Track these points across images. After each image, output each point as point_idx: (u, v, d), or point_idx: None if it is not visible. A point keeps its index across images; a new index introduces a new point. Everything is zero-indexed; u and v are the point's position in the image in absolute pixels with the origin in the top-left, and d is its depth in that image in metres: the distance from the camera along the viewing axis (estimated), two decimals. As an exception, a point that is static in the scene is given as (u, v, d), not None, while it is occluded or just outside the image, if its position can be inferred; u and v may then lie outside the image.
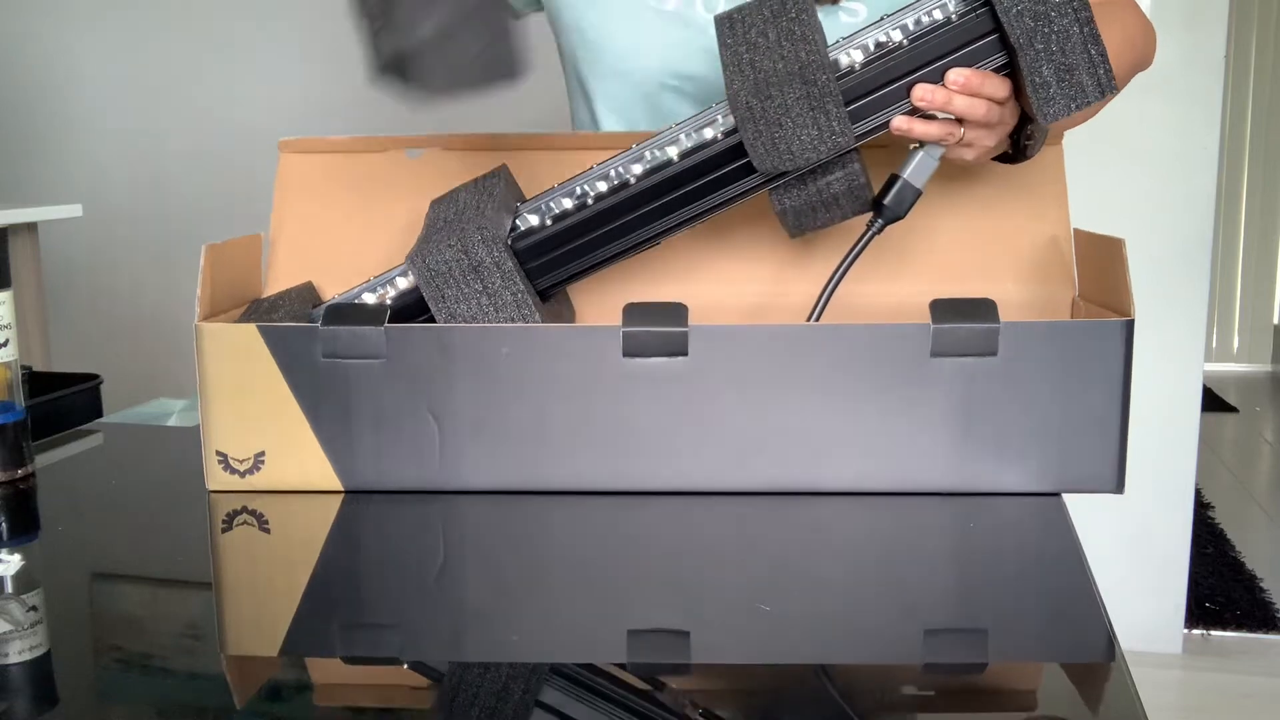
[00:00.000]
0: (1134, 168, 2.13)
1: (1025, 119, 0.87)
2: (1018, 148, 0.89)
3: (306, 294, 0.96)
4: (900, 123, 0.82)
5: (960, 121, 0.83)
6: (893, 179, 0.86)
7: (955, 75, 0.81)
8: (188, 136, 2.83)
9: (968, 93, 0.81)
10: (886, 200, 0.85)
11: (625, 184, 0.86)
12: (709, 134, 0.85)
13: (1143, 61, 1.04)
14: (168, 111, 2.84)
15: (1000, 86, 0.82)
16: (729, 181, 0.85)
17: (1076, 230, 0.94)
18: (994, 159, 0.91)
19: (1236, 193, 4.55)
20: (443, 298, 0.84)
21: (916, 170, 0.85)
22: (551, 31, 1.14)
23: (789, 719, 0.55)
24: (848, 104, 0.82)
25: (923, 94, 0.81)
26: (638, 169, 0.86)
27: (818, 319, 0.87)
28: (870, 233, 0.86)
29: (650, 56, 1.03)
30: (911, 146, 0.86)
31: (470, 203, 0.88)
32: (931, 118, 0.83)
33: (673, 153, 0.85)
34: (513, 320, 0.84)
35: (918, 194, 0.86)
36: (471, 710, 0.54)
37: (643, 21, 1.03)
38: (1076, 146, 2.14)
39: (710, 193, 0.85)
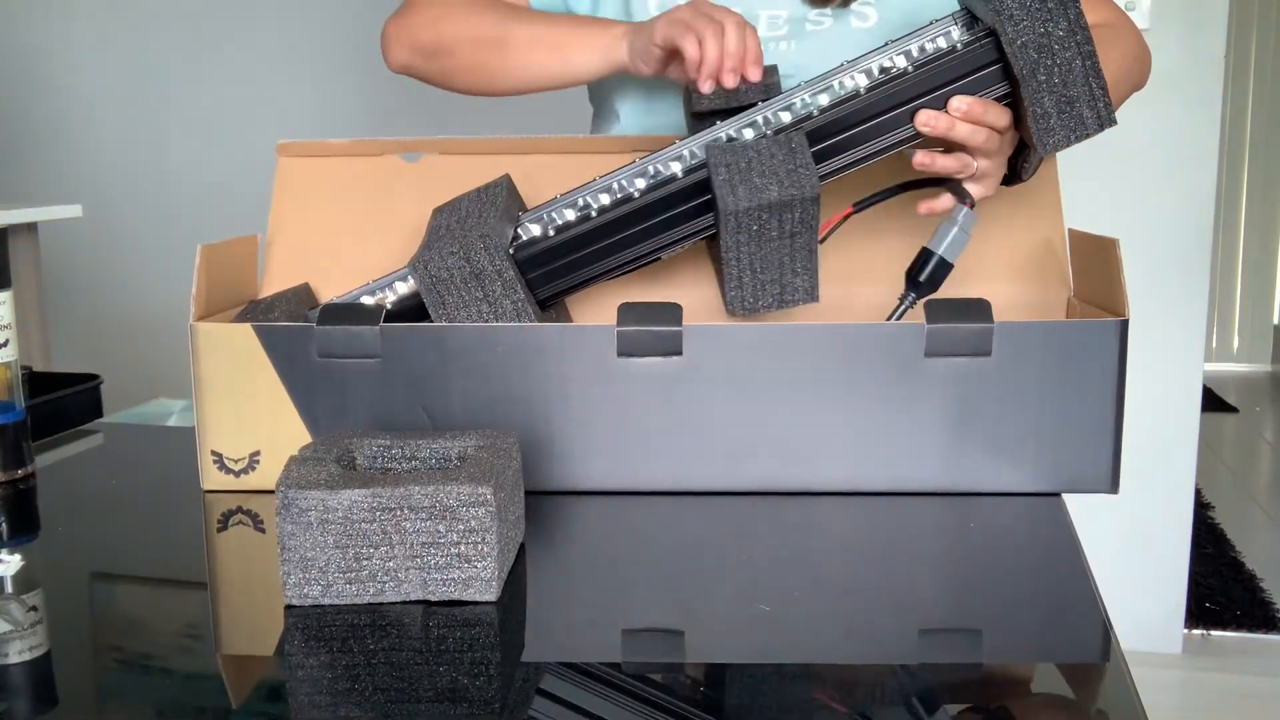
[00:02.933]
0: (1134, 168, 2.13)
1: (1022, 144, 0.87)
2: (1013, 171, 0.90)
3: (303, 295, 0.96)
4: (922, 157, 0.83)
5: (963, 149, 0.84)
6: (926, 254, 0.87)
7: (958, 103, 0.81)
8: (188, 137, 2.83)
9: (970, 120, 0.82)
10: (922, 277, 0.87)
11: (629, 198, 0.86)
12: None
13: (1137, 86, 1.05)
14: (168, 112, 2.84)
15: (1001, 116, 0.82)
16: None
17: (1071, 230, 0.95)
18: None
19: (1236, 193, 4.55)
20: (443, 304, 0.84)
21: (951, 246, 0.86)
22: None
23: (784, 719, 0.55)
24: (853, 127, 0.83)
25: (926, 119, 0.82)
26: (641, 183, 0.86)
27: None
28: (903, 307, 0.87)
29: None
30: (941, 221, 0.87)
31: (473, 210, 0.88)
32: (949, 151, 0.84)
33: (676, 168, 0.85)
34: None
35: (950, 268, 0.87)
36: (475, 708, 0.54)
37: None
38: (1075, 147, 2.13)
39: (711, 210, 0.86)
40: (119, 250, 2.89)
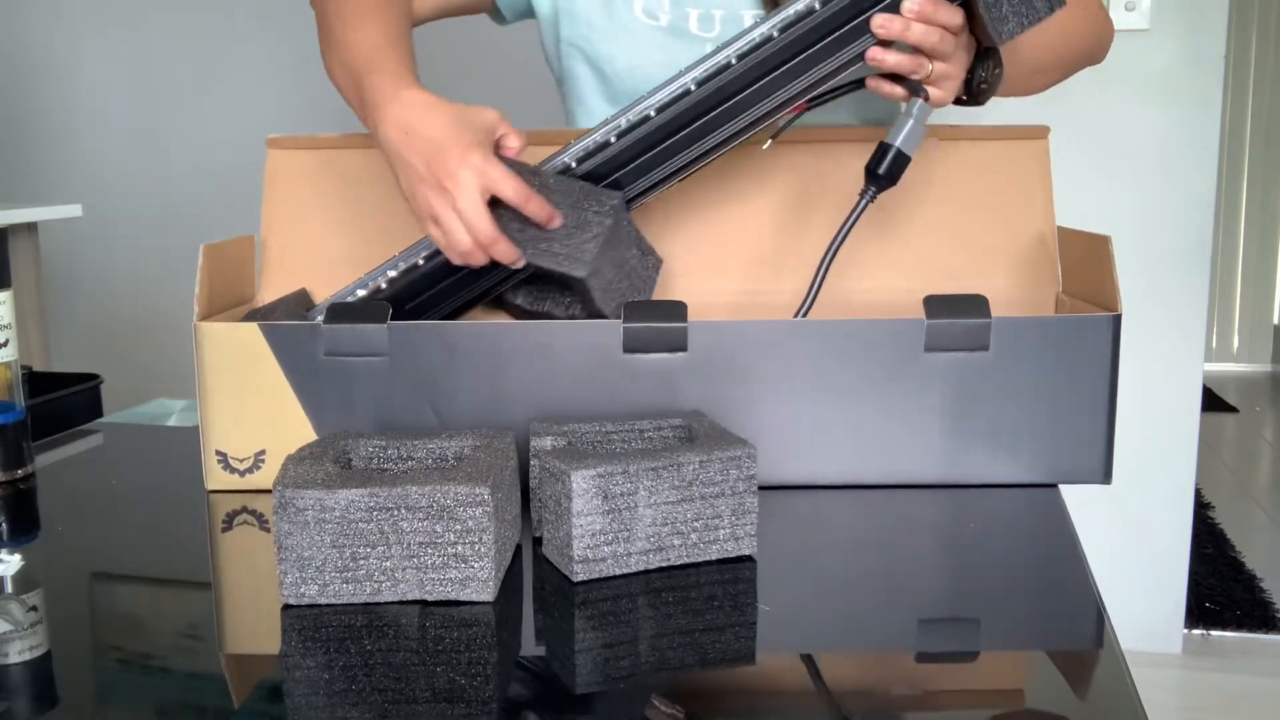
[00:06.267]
0: (1134, 168, 2.13)
1: (979, 60, 0.89)
2: (972, 90, 0.91)
3: (301, 300, 0.97)
4: (875, 52, 0.86)
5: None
6: (884, 148, 0.87)
7: (910, 3, 0.84)
8: (188, 136, 2.84)
9: (922, 20, 0.84)
10: (880, 169, 0.87)
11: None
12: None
13: (1091, 53, 1.06)
14: (168, 111, 2.84)
15: (954, 15, 0.85)
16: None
17: (1061, 228, 0.96)
18: (952, 103, 0.92)
19: (1236, 193, 4.55)
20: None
21: (907, 138, 0.87)
22: (543, 49, 1.14)
23: (785, 709, 0.55)
24: (813, 44, 0.85)
25: (882, 22, 0.85)
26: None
27: (816, 291, 0.88)
28: (864, 201, 0.88)
29: (648, 73, 1.04)
30: (901, 112, 0.88)
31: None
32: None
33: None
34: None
35: (908, 160, 0.87)
36: (473, 708, 0.54)
37: (641, 39, 1.04)
38: (1076, 147, 2.13)
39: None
40: (119, 250, 2.89)
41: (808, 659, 0.61)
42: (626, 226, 0.88)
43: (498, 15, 1.13)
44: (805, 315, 0.88)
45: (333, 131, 1.02)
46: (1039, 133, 0.99)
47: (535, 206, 0.83)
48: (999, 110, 2.33)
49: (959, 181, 0.98)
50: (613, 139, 0.88)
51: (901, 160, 0.87)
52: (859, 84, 0.89)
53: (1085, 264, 0.90)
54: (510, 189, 0.82)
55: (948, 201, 0.98)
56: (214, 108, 2.81)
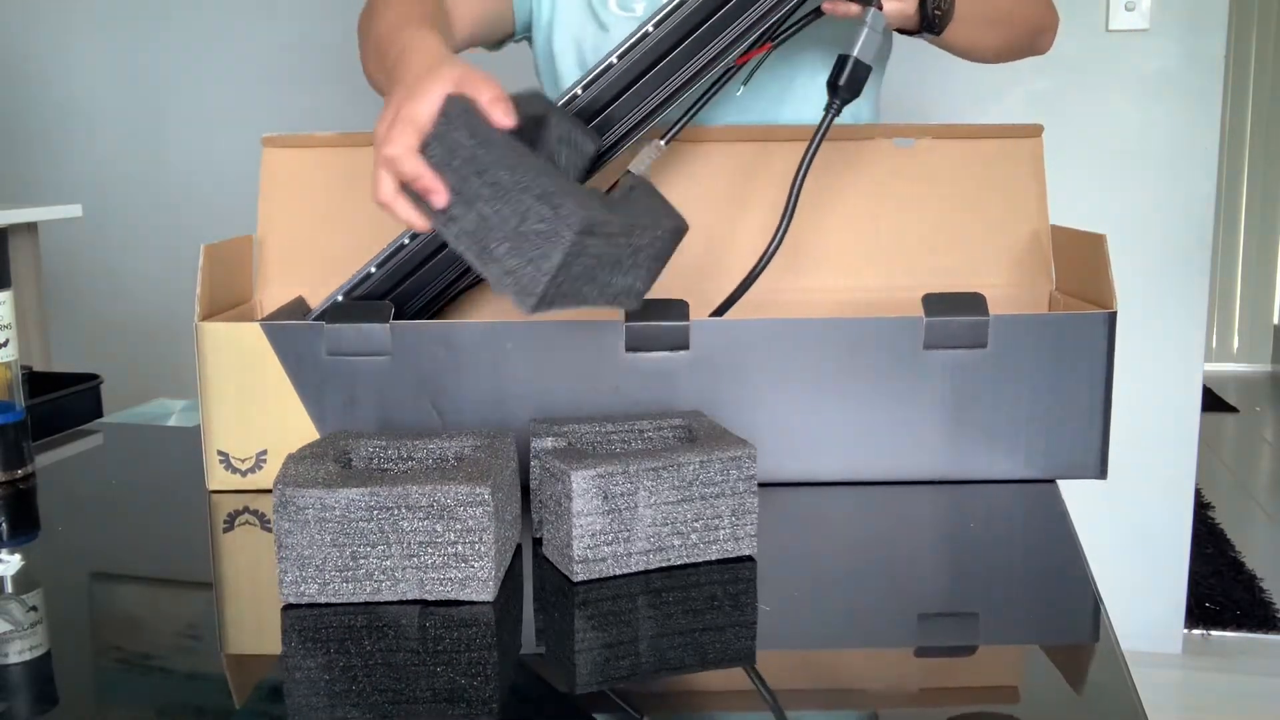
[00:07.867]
0: (1134, 168, 2.13)
1: None
2: (928, 18, 0.91)
3: (298, 308, 0.97)
4: None
5: None
6: (843, 59, 0.88)
7: None
8: (187, 137, 2.83)
9: None
10: (841, 80, 0.87)
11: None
12: None
13: (1041, 26, 1.06)
14: (167, 112, 2.84)
15: None
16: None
17: (1055, 226, 0.96)
18: (908, 33, 0.93)
19: (1236, 193, 4.55)
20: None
21: (864, 47, 0.87)
22: (536, 71, 1.15)
23: (785, 709, 0.55)
24: None
25: None
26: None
27: (788, 223, 0.87)
28: (830, 115, 0.88)
29: None
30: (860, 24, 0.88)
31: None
32: None
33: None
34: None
35: (868, 70, 0.88)
36: (473, 708, 0.54)
37: (621, 34, 1.05)
38: (1076, 147, 2.13)
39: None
40: (119, 250, 2.89)
41: (806, 653, 0.61)
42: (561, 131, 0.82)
43: (494, 45, 1.14)
44: (779, 244, 0.87)
45: (335, 129, 1.02)
46: (1032, 131, 0.99)
47: (424, 184, 0.72)
48: (994, 110, 2.33)
49: (953, 180, 0.98)
50: (579, 91, 0.88)
51: (861, 70, 0.87)
52: (817, 13, 0.89)
53: (1080, 262, 0.90)
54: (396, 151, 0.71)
55: (942, 200, 0.98)
56: (213, 108, 2.81)
